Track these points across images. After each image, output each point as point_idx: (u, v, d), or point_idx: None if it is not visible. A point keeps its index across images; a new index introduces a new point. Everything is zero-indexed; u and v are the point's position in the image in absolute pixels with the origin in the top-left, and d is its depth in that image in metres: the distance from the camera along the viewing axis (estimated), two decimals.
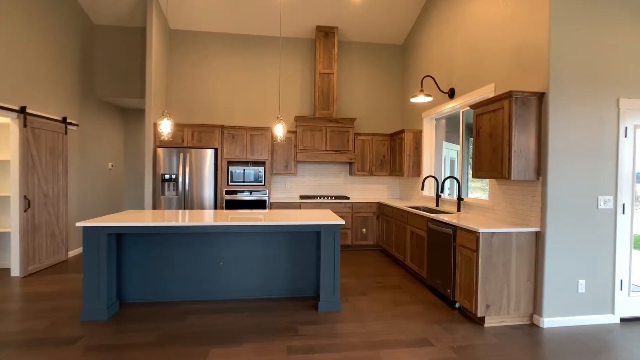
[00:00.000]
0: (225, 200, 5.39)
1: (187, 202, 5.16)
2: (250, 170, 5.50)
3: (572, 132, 2.95)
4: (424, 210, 4.90)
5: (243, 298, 3.51)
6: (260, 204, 5.46)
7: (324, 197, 5.85)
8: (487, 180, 4.30)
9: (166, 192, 5.12)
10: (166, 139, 3.24)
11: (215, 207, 5.31)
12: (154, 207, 5.11)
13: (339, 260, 3.29)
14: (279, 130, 3.54)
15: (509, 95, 2.95)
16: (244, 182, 5.48)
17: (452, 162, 5.94)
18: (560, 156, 2.93)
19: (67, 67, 4.91)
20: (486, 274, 2.94)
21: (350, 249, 5.78)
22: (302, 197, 5.81)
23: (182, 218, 3.27)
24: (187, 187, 5.15)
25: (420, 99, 4.47)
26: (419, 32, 5.61)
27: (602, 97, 2.98)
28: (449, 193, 5.16)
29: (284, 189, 6.11)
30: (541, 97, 2.98)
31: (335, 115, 5.88)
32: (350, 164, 6.14)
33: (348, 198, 5.84)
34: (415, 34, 5.79)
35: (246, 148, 5.45)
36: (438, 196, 4.73)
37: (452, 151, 5.89)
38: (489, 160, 3.22)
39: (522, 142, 2.96)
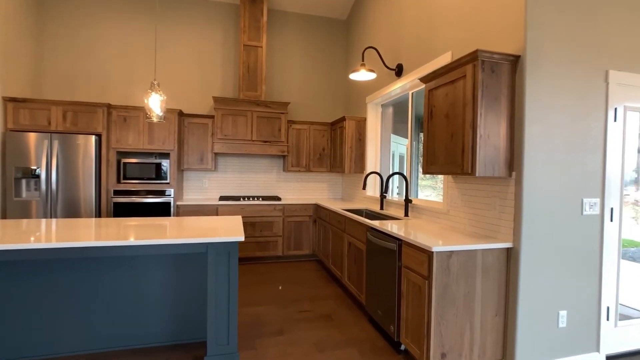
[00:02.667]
0: (114, 203, 4.10)
1: (55, 205, 3.80)
2: (150, 165, 4.26)
3: (553, 112, 2.16)
4: (366, 215, 4.01)
5: (99, 350, 2.34)
6: (162, 208, 4.25)
7: (249, 197, 4.77)
8: (440, 177, 3.50)
9: (23, 193, 3.72)
10: None
11: (99, 213, 4.01)
12: (3, 213, 3.70)
13: (236, 292, 2.26)
14: (155, 104, 2.42)
15: (473, 57, 2.09)
16: (141, 179, 4.23)
17: (401, 158, 5.15)
18: (539, 144, 2.14)
19: None
20: (442, 310, 2.06)
21: (281, 260, 4.76)
22: (222, 198, 4.68)
23: None
24: (54, 185, 3.79)
25: (362, 75, 3.56)
26: (365, 4, 4.72)
27: (589, 68, 2.24)
28: (398, 192, 4.34)
29: (199, 189, 4.93)
30: (515, 62, 2.16)
31: (264, 98, 4.82)
32: (284, 157, 5.12)
33: (279, 199, 4.81)
34: (360, 7, 4.89)
35: (143, 135, 4.20)
36: (383, 197, 3.86)
37: (402, 146, 5.11)
38: (445, 149, 2.36)
39: (491, 124, 2.12)
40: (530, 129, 2.11)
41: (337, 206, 4.15)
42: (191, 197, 4.89)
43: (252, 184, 5.14)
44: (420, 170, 4.64)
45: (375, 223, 2.87)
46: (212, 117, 4.66)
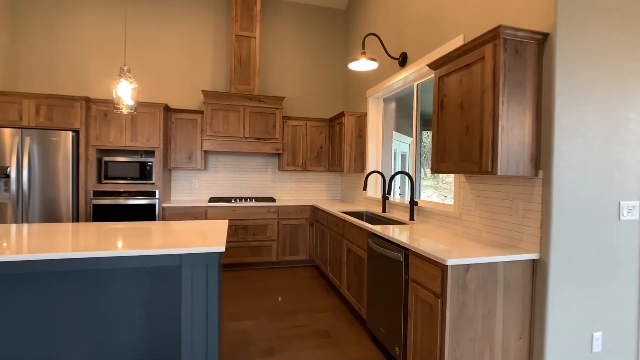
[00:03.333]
0: (94, 205, 3.78)
1: (27, 208, 3.49)
2: (133, 163, 3.94)
3: (587, 99, 1.84)
4: (366, 218, 3.70)
5: None
6: (146, 211, 3.93)
7: (241, 199, 4.45)
8: (449, 177, 3.19)
9: None
10: None
11: (76, 217, 3.69)
12: None
13: (217, 310, 1.93)
14: (124, 93, 2.08)
15: (494, 34, 1.77)
16: (124, 179, 3.91)
17: (403, 157, 4.84)
18: (570, 138, 1.82)
19: None
20: (458, 333, 1.74)
21: (275, 266, 4.44)
22: (212, 199, 4.36)
23: None
24: (25, 186, 3.47)
25: (362, 64, 3.24)
26: None
27: (632, 46, 1.92)
28: (400, 193, 4.02)
29: (189, 189, 4.61)
30: (542, 41, 1.84)
31: (258, 92, 4.50)
32: (279, 156, 4.80)
33: (274, 200, 4.49)
34: None
35: (125, 131, 3.87)
36: (385, 198, 3.54)
37: (404, 144, 4.80)
38: (459, 144, 2.04)
39: (514, 114, 1.81)
40: (560, 119, 1.79)
41: (335, 208, 3.83)
42: (179, 198, 4.57)
43: (245, 184, 4.82)
44: (425, 170, 4.35)
45: (377, 228, 2.55)
46: (201, 112, 4.34)
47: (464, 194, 2.44)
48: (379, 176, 4.16)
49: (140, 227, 2.42)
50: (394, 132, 4.39)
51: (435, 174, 4.58)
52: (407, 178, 4.16)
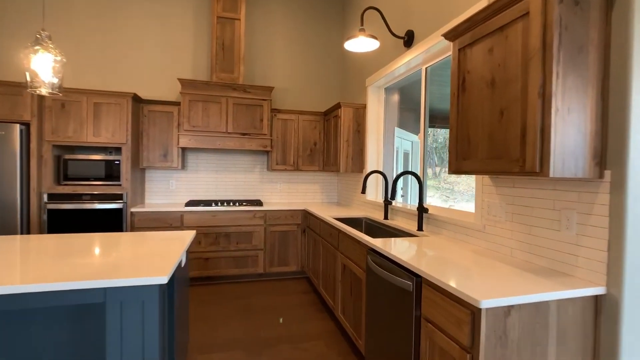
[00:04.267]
0: (50, 210, 3.26)
1: None
2: (98, 162, 3.42)
3: None
4: (365, 226, 3.19)
5: None
6: (112, 217, 3.40)
7: (224, 202, 3.93)
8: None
9: None
10: None
11: (27, 226, 3.17)
12: None
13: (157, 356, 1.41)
14: (42, 67, 1.55)
15: None
16: (87, 180, 3.40)
17: (406, 156, 4.31)
18: None
19: None
20: None
21: (262, 279, 3.92)
22: (189, 203, 3.84)
23: None
24: None
25: (361, 43, 2.72)
26: None
27: None
28: (402, 195, 3.51)
29: (165, 191, 4.09)
30: None
31: (243, 81, 3.97)
32: (267, 153, 4.28)
33: (261, 204, 3.97)
34: None
35: (87, 124, 3.35)
36: (388, 203, 3.02)
37: (406, 142, 4.27)
38: (490, 135, 1.51)
39: (572, 92, 1.28)
40: (638, 98, 1.27)
41: (330, 213, 3.31)
42: (155, 201, 4.05)
43: (229, 186, 4.30)
44: (433, 169, 3.83)
45: (378, 242, 2.02)
46: (178, 104, 3.81)
47: (490, 200, 1.91)
48: (381, 177, 3.64)
49: (79, 241, 1.90)
50: (395, 128, 3.87)
51: (436, 174, 4.07)
52: (411, 179, 3.65)
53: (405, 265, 1.64)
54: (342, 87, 4.56)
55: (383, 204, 3.15)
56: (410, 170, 3.54)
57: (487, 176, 1.94)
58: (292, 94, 4.49)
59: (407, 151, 4.41)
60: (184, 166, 4.04)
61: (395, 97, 3.80)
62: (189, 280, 2.45)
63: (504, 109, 1.44)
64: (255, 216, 3.80)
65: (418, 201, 2.48)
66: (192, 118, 3.74)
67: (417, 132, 4.69)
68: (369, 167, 3.62)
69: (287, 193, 4.49)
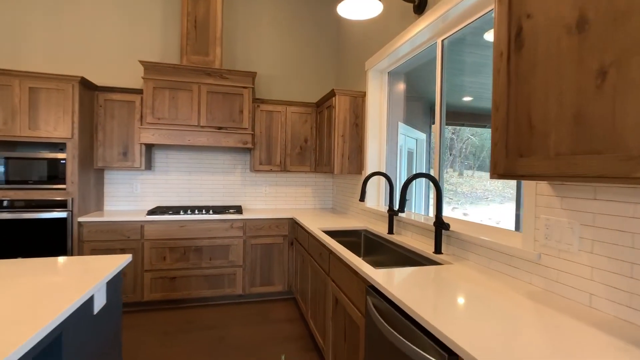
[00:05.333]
0: None
1: None
2: (37, 162, 2.79)
3: None
4: (365, 240, 2.57)
5: None
6: (54, 229, 2.78)
7: (196, 209, 3.30)
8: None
9: None
10: None
11: None
12: None
13: None
14: None
15: None
16: (26, 183, 2.77)
17: (410, 155, 3.68)
18: None
19: None
20: None
21: (242, 301, 3.29)
22: (152, 211, 3.20)
23: None
24: None
25: (358, 5, 2.09)
26: None
27: None
28: (395, 199, 2.89)
29: (129, 196, 3.46)
30: None
31: (220, 65, 3.35)
32: (250, 151, 3.66)
33: (241, 211, 3.34)
34: None
35: (20, 115, 2.72)
36: (393, 213, 2.38)
37: (411, 140, 3.65)
38: (576, 115, 0.88)
39: None
40: None
41: (320, 224, 2.68)
42: (116, 207, 3.42)
43: (205, 190, 3.67)
44: (446, 170, 3.24)
45: (382, 277, 1.39)
46: (141, 92, 3.19)
47: (549, 218, 1.28)
48: (384, 180, 3.01)
49: None
50: (399, 123, 3.24)
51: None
52: (415, 183, 3.04)
53: (430, 330, 1.01)
54: (338, 74, 3.93)
55: (387, 214, 2.52)
56: (423, 172, 2.92)
57: (543, 182, 1.31)
58: (279, 82, 3.86)
59: (412, 150, 3.79)
60: (150, 166, 3.41)
61: (400, 86, 3.18)
62: (118, 332, 1.83)
63: (610, 67, 0.80)
64: (232, 226, 3.17)
65: (435, 213, 1.84)
66: (157, 109, 3.11)
67: (424, 128, 4.07)
68: (369, 169, 2.99)
69: (274, 198, 3.86)
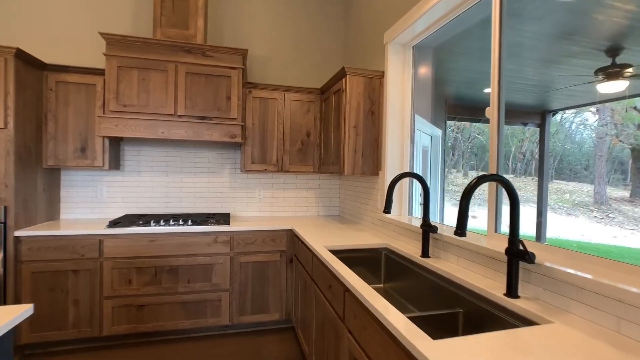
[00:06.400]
0: None
1: None
2: None
3: None
4: (386, 261, 1.93)
5: None
6: None
7: (171, 219, 2.66)
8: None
9: None
10: None
11: None
12: None
13: None
14: None
15: None
16: None
17: (425, 153, 3.05)
18: None
19: None
20: None
21: (228, 333, 2.65)
22: (114, 222, 2.56)
23: None
24: None
25: None
26: None
27: None
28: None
29: (92, 202, 2.83)
30: None
31: (202, 40, 2.71)
32: (240, 147, 3.03)
33: (227, 221, 2.70)
34: None
35: None
36: (429, 228, 1.73)
37: (425, 136, 3.02)
38: None
39: None
40: None
41: (327, 239, 2.04)
42: (76, 216, 2.79)
43: (187, 194, 3.03)
44: (452, 171, 2.64)
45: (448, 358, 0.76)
46: (103, 72, 2.56)
47: None
48: (406, 184, 2.37)
49: None
50: (415, 115, 2.61)
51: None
52: (415, 184, 2.41)
53: None
54: (347, 53, 3.29)
55: (420, 231, 1.88)
56: (420, 175, 2.28)
57: None
58: (275, 63, 3.22)
59: (426, 147, 3.17)
60: (117, 165, 2.79)
61: (427, 68, 2.55)
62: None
63: None
64: (216, 240, 2.54)
65: (510, 233, 1.20)
66: (122, 93, 2.48)
67: (439, 122, 3.43)
68: (388, 169, 2.36)
69: (269, 204, 3.22)
